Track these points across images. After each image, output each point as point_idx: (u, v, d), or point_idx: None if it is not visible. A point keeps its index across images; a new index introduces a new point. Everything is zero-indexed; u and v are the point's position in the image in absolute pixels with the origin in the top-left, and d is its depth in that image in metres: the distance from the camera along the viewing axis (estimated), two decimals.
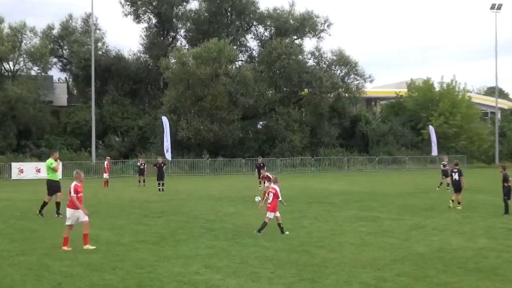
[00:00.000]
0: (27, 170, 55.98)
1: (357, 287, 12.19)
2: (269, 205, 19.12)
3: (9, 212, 26.33)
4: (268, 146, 68.63)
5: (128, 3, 73.85)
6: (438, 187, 37.50)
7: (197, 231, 19.79)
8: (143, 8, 74.82)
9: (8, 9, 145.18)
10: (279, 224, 19.18)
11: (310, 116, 72.88)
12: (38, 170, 56.00)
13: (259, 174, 40.30)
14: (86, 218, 16.83)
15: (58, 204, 24.53)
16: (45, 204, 24.69)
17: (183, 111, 64.97)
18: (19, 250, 16.38)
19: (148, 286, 12.24)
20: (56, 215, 24.04)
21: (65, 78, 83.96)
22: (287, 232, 19.02)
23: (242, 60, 78.09)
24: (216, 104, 64.75)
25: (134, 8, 74.26)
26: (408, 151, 71.32)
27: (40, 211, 24.43)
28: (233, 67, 72.97)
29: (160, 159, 41.78)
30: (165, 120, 57.12)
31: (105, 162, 45.97)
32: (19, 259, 15.01)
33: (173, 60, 67.11)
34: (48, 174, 25.23)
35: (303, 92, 73.69)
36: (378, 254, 15.59)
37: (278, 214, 19.20)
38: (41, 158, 61.59)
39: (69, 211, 16.97)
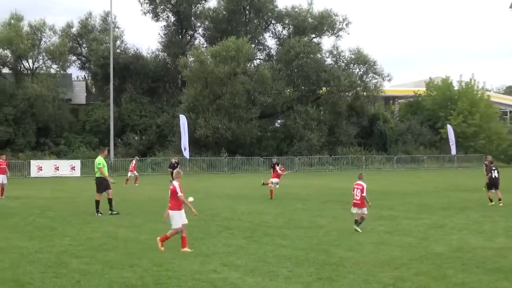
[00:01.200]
0: (46, 167, 56.30)
1: (375, 287, 12.14)
2: (357, 201, 19.31)
3: (28, 209, 26.46)
4: (286, 144, 68.59)
5: (146, 1, 74.05)
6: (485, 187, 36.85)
7: (215, 229, 19.82)
8: (161, 7, 74.93)
9: (28, 7, 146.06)
10: (356, 221, 19.40)
11: (328, 114, 72.75)
12: (57, 168, 56.39)
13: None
14: (186, 221, 16.18)
15: (110, 201, 24.50)
16: (98, 202, 24.37)
17: (201, 109, 65.08)
18: (38, 247, 16.45)
19: (166, 284, 12.26)
20: (110, 212, 24.08)
21: (84, 76, 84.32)
22: (360, 230, 19.08)
23: (260, 59, 78.07)
24: (234, 103, 64.78)
25: (153, 6, 74.40)
26: (426, 150, 71.00)
27: (97, 211, 24.12)
28: (251, 65, 73.03)
29: (174, 159, 41.83)
30: (183, 118, 57.26)
31: (133, 161, 46.11)
32: (38, 257, 15.08)
33: (191, 59, 67.23)
34: (96, 172, 24.80)
35: (321, 91, 73.59)
36: (396, 253, 15.53)
37: (365, 211, 19.38)
38: (60, 156, 62.03)
39: (175, 213, 16.06)
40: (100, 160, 24.78)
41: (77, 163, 57.73)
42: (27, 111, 63.83)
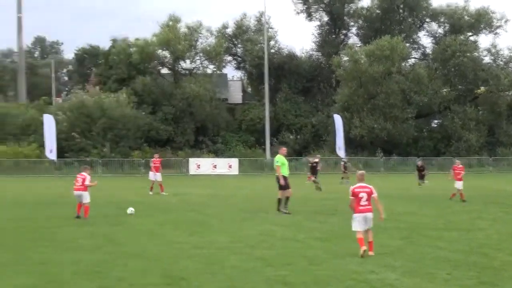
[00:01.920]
0: (204, 165, 57.77)
1: None
2: None
3: (187, 206, 27.16)
4: (444, 145, 67.08)
5: (300, 1, 74.54)
6: None
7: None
8: (315, 6, 75.15)
9: (184, 9, 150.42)
10: None
11: (487, 114, 70.42)
12: (215, 166, 57.72)
13: (420, 176, 39.86)
14: (369, 225, 15.24)
15: (287, 199, 24.27)
16: (280, 201, 24.19)
17: (356, 109, 64.77)
18: (196, 243, 16.80)
19: (323, 282, 12.18)
20: (284, 211, 23.85)
21: (240, 76, 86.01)
22: None
23: (415, 58, 76.75)
24: (389, 102, 64.09)
25: (306, 6, 74.76)
26: None
27: (279, 209, 23.92)
28: (406, 64, 71.95)
29: (314, 158, 41.83)
30: (337, 118, 57.11)
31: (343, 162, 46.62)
32: (196, 252, 15.38)
33: (345, 58, 67.09)
34: (282, 170, 24.71)
35: (478, 90, 71.36)
36: None
37: None
38: (217, 154, 63.46)
39: (359, 216, 15.08)
40: (278, 158, 24.55)
41: (234, 161, 58.85)
42: (185, 110, 65.69)
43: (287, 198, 24.16)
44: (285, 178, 24.05)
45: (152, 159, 36.66)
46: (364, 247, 14.62)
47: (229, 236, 18.14)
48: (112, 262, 14.08)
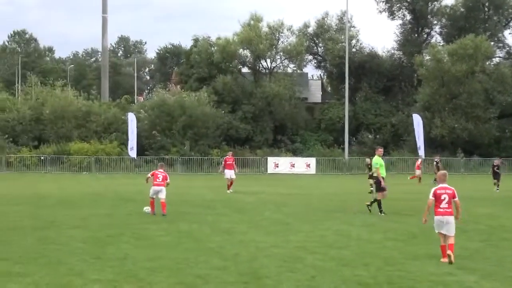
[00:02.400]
0: (282, 164, 57.86)
1: None
2: None
3: (264, 205, 27.25)
4: None
5: (382, 0, 73.86)
6: None
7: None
8: (397, 5, 74.35)
9: (266, 8, 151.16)
10: None
11: None
12: (293, 165, 57.74)
13: (495, 176, 38.75)
14: (451, 233, 14.29)
15: (375, 202, 23.94)
16: (377, 201, 23.82)
17: (437, 108, 63.83)
18: (273, 242, 16.85)
19: (399, 283, 12.08)
20: (380, 213, 23.48)
21: (320, 75, 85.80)
22: None
23: (499, 57, 75.04)
24: (471, 102, 62.93)
25: (389, 5, 74.03)
26: None
27: (381, 211, 23.44)
28: (490, 63, 70.45)
29: (436, 158, 41.33)
30: (417, 117, 56.39)
31: (419, 160, 46.19)
32: (274, 251, 15.45)
33: (427, 57, 66.19)
34: (374, 172, 24.50)
35: None
36: None
37: None
38: (296, 153, 63.46)
39: (437, 219, 14.38)
40: (377, 160, 24.24)
41: (312, 160, 58.76)
42: (265, 109, 65.91)
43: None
44: (383, 178, 23.68)
45: (225, 157, 37.12)
46: (446, 259, 13.96)
47: (306, 235, 18.15)
48: (194, 259, 14.26)
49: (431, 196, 14.43)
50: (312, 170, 57.73)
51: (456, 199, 14.44)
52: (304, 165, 58.28)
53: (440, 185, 14.59)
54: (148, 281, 12.08)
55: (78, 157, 55.94)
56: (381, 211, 23.33)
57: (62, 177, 46.40)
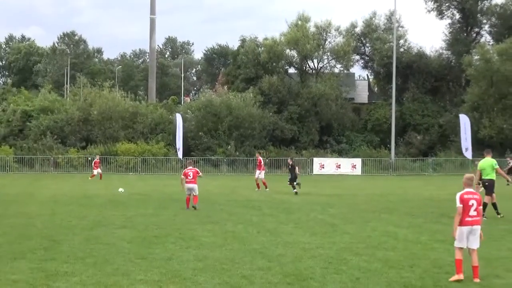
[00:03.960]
0: (328, 165, 57.67)
1: None
2: None
3: (310, 206, 27.18)
4: None
5: None
6: None
7: (498, 233, 18.95)
8: (446, 4, 73.54)
9: (314, 8, 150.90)
10: None
11: None
12: (338, 166, 57.52)
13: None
14: (475, 245, 12.83)
15: (495, 205, 23.35)
16: (494, 204, 23.25)
17: (486, 109, 63.02)
18: (319, 243, 16.80)
19: (446, 286, 11.96)
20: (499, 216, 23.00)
21: (366, 75, 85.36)
22: None
23: None
24: None
25: (438, 4, 73.27)
26: None
27: (498, 213, 23.08)
28: None
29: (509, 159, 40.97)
30: (464, 118, 55.71)
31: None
32: (319, 252, 15.41)
33: (476, 57, 65.34)
34: (489, 173, 23.93)
35: None
36: None
37: None
38: (341, 154, 63.21)
39: (466, 229, 12.80)
40: (485, 162, 23.64)
41: (358, 161, 58.48)
42: (311, 109, 65.74)
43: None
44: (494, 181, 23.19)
45: (258, 158, 38.07)
46: (461, 276, 12.37)
47: (351, 236, 18.07)
48: (239, 259, 14.29)
49: (459, 203, 12.75)
50: (358, 171, 57.45)
51: (480, 207, 13.09)
52: (350, 166, 58.03)
53: (466, 190, 12.94)
54: (193, 281, 12.13)
55: (125, 158, 56.45)
56: (498, 214, 23.06)
57: (109, 178, 46.84)
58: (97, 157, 48.18)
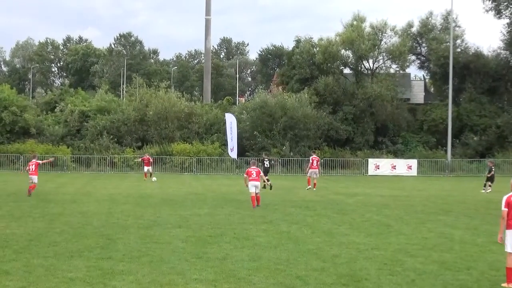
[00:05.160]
0: (383, 166, 57.26)
1: None
2: None
3: (365, 207, 27.07)
4: None
5: None
6: None
7: None
8: (505, 3, 72.28)
9: (369, 8, 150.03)
10: None
11: None
12: (394, 167, 57.06)
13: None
14: None
15: None
16: None
17: None
18: (374, 244, 16.74)
19: None
20: None
21: (422, 75, 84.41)
22: None
23: None
24: None
25: (496, 3, 72.10)
26: None
27: None
28: None
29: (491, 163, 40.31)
30: None
31: None
32: (374, 253, 15.34)
33: None
34: None
35: None
36: None
37: None
38: (397, 154, 62.67)
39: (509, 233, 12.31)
40: None
41: (413, 162, 57.92)
42: (366, 110, 65.30)
43: None
44: None
45: (312, 157, 38.74)
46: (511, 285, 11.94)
47: (407, 238, 17.95)
48: (293, 260, 14.32)
49: (504, 207, 12.34)
50: (414, 172, 56.90)
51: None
52: (406, 166, 57.51)
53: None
54: (247, 281, 12.19)
55: (180, 158, 56.85)
56: None
57: (164, 178, 47.25)
58: (146, 155, 48.48)
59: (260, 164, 38.84)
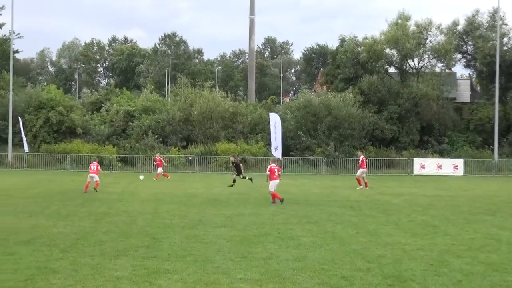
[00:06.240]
0: (429, 166, 56.82)
1: None
2: None
3: (410, 207, 26.87)
4: None
5: None
6: None
7: None
8: None
9: (415, 6, 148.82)
10: None
11: None
12: (439, 167, 56.56)
13: None
14: None
15: None
16: None
17: None
18: (420, 244, 16.61)
19: None
20: None
21: (469, 74, 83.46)
22: None
23: None
24: None
25: None
26: None
27: None
28: None
29: None
30: None
31: None
32: (420, 254, 15.23)
33: None
34: None
35: None
36: None
37: None
38: (443, 154, 62.08)
39: None
40: None
41: (460, 162, 57.36)
42: (411, 109, 64.80)
43: None
44: None
45: (361, 157, 38.81)
46: None
47: (453, 238, 17.78)
48: (338, 260, 14.29)
49: None
50: (460, 171, 56.34)
51: None
52: (451, 166, 56.97)
53: None
54: (292, 281, 12.20)
55: (225, 157, 57.01)
56: None
57: (209, 177, 47.44)
58: (158, 155, 48.57)
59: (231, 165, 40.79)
